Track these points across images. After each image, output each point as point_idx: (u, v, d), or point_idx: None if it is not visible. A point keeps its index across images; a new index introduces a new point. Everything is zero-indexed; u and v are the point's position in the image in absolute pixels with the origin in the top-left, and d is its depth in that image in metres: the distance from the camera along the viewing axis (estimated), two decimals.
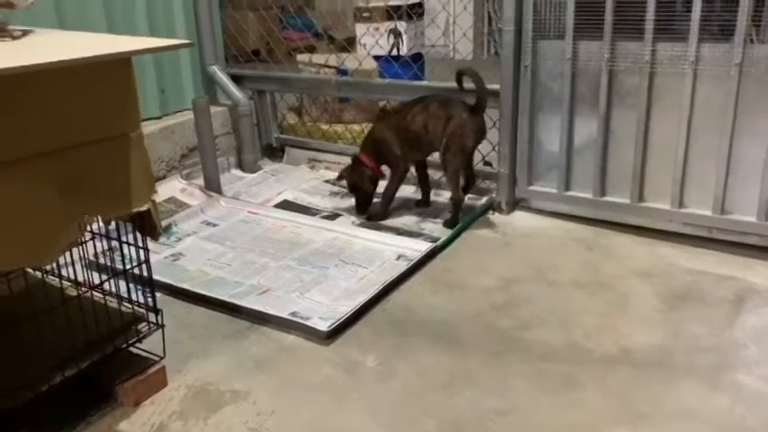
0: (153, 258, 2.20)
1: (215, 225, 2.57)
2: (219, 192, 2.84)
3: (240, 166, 3.21)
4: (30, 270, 1.76)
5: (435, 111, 2.45)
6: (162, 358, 1.63)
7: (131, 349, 1.63)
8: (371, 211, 2.62)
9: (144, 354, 1.64)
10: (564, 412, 1.55)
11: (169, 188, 2.81)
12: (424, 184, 2.73)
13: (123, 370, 1.58)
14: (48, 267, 1.79)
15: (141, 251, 1.57)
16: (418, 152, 2.58)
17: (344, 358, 1.75)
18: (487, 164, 2.89)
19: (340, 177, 2.63)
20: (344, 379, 1.67)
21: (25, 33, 1.46)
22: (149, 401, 1.58)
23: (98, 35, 1.66)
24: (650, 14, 2.17)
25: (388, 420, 1.53)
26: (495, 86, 2.55)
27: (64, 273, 1.77)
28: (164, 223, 2.50)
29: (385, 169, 2.61)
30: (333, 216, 2.65)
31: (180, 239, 2.45)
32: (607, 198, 2.45)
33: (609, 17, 2.25)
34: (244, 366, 1.72)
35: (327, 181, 3.03)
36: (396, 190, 2.61)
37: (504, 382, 1.66)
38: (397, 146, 2.51)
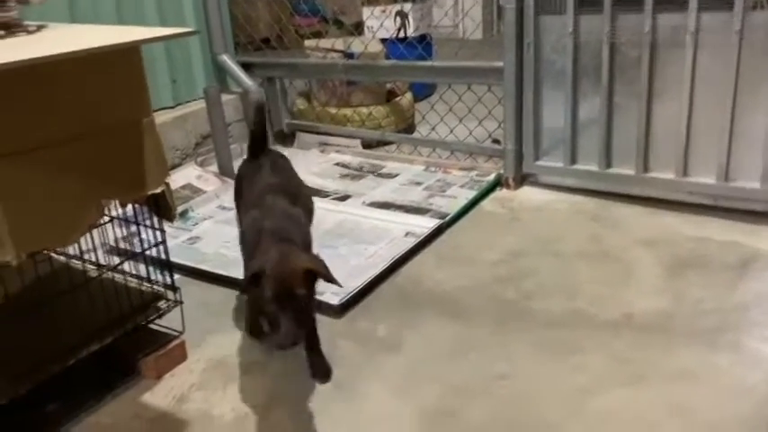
0: (171, 242, 2.30)
1: (230, 209, 2.64)
2: (233, 177, 2.91)
3: None
4: (55, 255, 1.86)
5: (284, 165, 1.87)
6: (181, 333, 1.71)
7: (152, 326, 1.71)
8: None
9: (164, 330, 1.72)
10: (566, 376, 1.60)
11: (185, 175, 2.89)
12: None
13: (145, 345, 1.67)
14: (72, 252, 1.88)
15: (158, 233, 1.65)
16: None
17: (356, 330, 1.82)
18: (496, 141, 2.93)
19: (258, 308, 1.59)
20: (356, 349, 1.74)
21: (39, 28, 1.54)
22: (170, 374, 1.67)
23: (108, 27, 1.74)
24: None
25: (396, 386, 1.60)
26: (499, 63, 2.59)
27: (87, 257, 1.86)
28: (180, 208, 2.60)
29: None
30: (343, 197, 2.71)
31: (197, 224, 2.53)
32: (612, 170, 2.49)
33: None
34: None
35: (337, 164, 3.10)
36: None
37: (508, 349, 1.72)
38: None
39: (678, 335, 1.72)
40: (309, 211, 1.78)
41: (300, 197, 1.73)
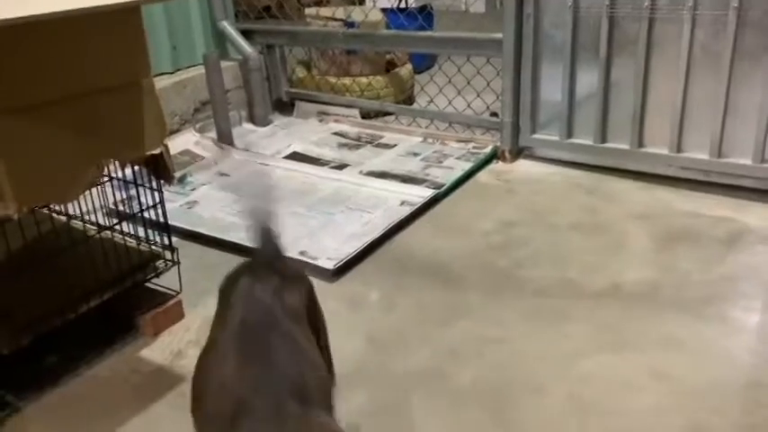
0: (170, 206, 2.32)
1: (228, 176, 2.67)
2: (231, 144, 2.93)
3: (251, 119, 3.29)
4: (56, 215, 1.88)
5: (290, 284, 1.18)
6: (179, 293, 1.75)
7: (151, 285, 1.75)
8: None
9: (162, 289, 1.76)
10: (554, 342, 1.65)
11: (183, 141, 2.91)
12: None
13: (144, 303, 1.71)
14: (72, 212, 1.91)
15: (156, 194, 1.67)
16: None
17: (349, 294, 1.86)
18: (494, 114, 2.94)
19: None
20: (349, 311, 1.78)
21: None
22: (167, 332, 1.71)
23: None
24: None
25: (388, 347, 1.64)
26: (499, 35, 2.59)
27: (87, 218, 1.89)
28: (179, 174, 2.62)
29: None
30: (340, 166, 2.73)
31: (194, 189, 2.56)
32: (608, 145, 2.50)
33: None
34: None
35: (336, 133, 3.11)
36: None
37: (498, 315, 1.76)
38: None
39: (665, 305, 1.76)
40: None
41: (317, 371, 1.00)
